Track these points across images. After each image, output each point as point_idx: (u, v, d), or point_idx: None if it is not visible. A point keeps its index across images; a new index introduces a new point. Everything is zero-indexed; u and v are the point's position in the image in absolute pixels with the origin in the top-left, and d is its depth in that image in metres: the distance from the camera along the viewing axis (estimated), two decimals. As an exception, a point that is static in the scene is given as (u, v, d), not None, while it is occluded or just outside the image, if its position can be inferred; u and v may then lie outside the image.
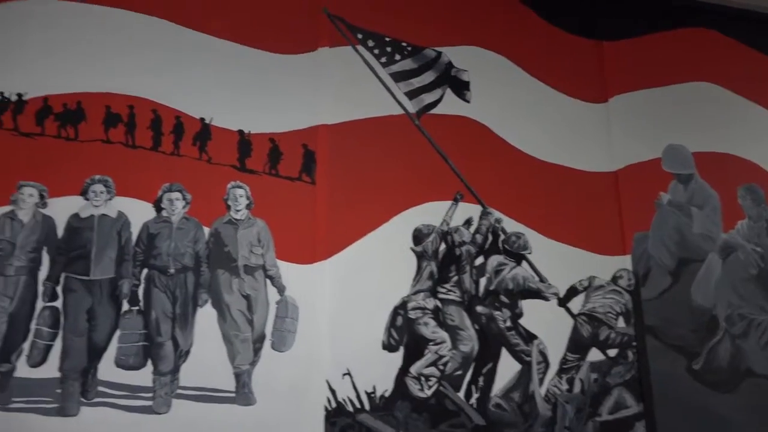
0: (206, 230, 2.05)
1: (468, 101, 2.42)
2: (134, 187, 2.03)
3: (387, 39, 2.38)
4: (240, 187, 2.10)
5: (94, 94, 2.06)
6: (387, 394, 2.07)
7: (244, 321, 2.01)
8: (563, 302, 2.32)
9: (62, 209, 1.96)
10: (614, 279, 2.40)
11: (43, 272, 1.91)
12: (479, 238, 2.29)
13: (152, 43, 2.17)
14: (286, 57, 2.30)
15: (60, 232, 1.94)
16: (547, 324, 2.28)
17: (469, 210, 2.31)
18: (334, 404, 2.01)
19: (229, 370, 1.96)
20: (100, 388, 1.87)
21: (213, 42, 2.22)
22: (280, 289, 2.06)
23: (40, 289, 1.89)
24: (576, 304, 2.34)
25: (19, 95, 2.00)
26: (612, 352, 2.32)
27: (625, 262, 2.45)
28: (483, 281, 2.27)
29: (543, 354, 2.23)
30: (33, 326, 1.86)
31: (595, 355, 2.31)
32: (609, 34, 2.70)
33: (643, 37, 2.76)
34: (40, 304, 1.88)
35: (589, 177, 2.52)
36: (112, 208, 1.99)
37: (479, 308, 2.23)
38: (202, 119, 2.14)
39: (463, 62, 2.44)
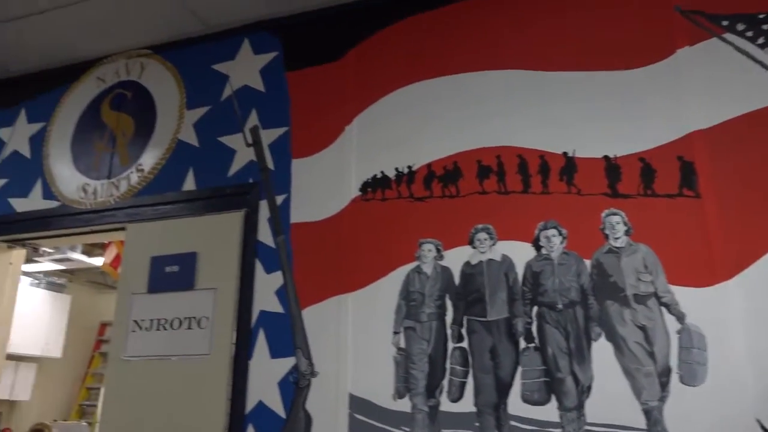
0: (587, 262, 2.03)
1: None
2: (512, 230, 2.15)
3: (761, 16, 2.04)
4: (615, 213, 2.03)
5: (466, 153, 2.30)
6: None
7: (644, 354, 1.90)
8: None
9: (455, 259, 2.20)
10: None
11: (449, 317, 2.16)
12: None
13: (508, 95, 2.32)
14: (641, 70, 2.17)
15: (457, 279, 2.18)
16: None
17: None
18: (772, 448, 1.71)
19: (636, 406, 1.86)
20: (512, 423, 1.99)
21: (565, 77, 2.25)
22: (680, 317, 1.88)
23: (449, 332, 2.14)
24: None
25: (409, 167, 2.37)
26: None
27: None
28: None
29: None
30: (448, 365, 2.11)
31: None
32: None
33: None
34: (450, 345, 2.13)
35: None
36: (497, 252, 2.15)
37: None
38: (565, 153, 2.16)
39: None
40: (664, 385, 1.85)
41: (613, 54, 2.21)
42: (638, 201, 2.03)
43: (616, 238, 2.02)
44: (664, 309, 1.91)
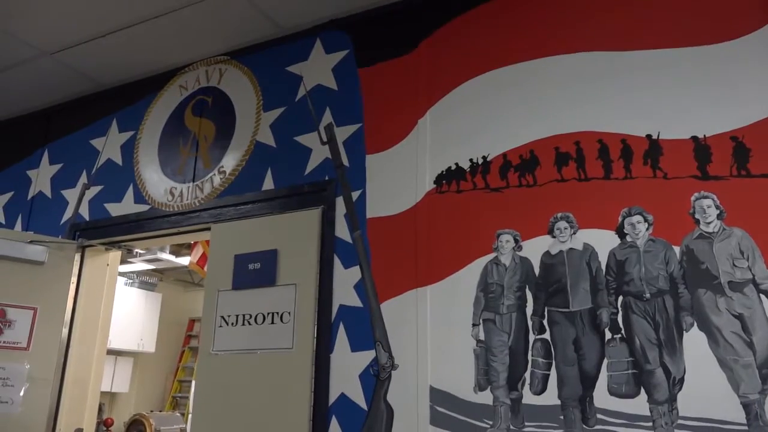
0: (676, 249, 1.94)
1: None
2: (594, 218, 2.09)
3: None
4: (706, 197, 1.92)
5: (543, 140, 2.24)
6: None
7: (741, 344, 1.79)
8: None
9: (534, 249, 2.16)
10: None
11: (529, 308, 2.12)
12: None
13: (585, 78, 2.24)
14: (729, 44, 2.04)
15: (536, 270, 2.14)
16: None
17: None
18: None
19: (734, 399, 1.76)
20: (599, 416, 1.93)
21: (645, 56, 2.15)
22: (782, 305, 1.77)
23: (529, 323, 2.10)
24: None
25: (484, 158, 2.34)
26: None
27: None
28: None
29: None
30: (530, 357, 2.07)
31: None
32: None
33: None
34: (531, 337, 2.09)
35: None
36: (578, 241, 2.09)
37: None
38: (648, 136, 2.07)
39: None
40: (766, 378, 1.74)
41: (698, 28, 2.09)
42: (731, 182, 1.91)
43: (708, 223, 1.91)
44: (763, 297, 1.79)
